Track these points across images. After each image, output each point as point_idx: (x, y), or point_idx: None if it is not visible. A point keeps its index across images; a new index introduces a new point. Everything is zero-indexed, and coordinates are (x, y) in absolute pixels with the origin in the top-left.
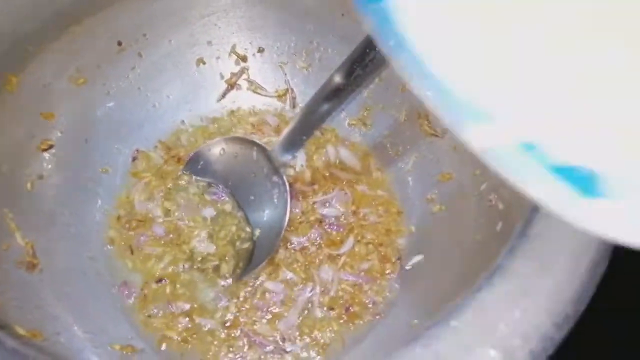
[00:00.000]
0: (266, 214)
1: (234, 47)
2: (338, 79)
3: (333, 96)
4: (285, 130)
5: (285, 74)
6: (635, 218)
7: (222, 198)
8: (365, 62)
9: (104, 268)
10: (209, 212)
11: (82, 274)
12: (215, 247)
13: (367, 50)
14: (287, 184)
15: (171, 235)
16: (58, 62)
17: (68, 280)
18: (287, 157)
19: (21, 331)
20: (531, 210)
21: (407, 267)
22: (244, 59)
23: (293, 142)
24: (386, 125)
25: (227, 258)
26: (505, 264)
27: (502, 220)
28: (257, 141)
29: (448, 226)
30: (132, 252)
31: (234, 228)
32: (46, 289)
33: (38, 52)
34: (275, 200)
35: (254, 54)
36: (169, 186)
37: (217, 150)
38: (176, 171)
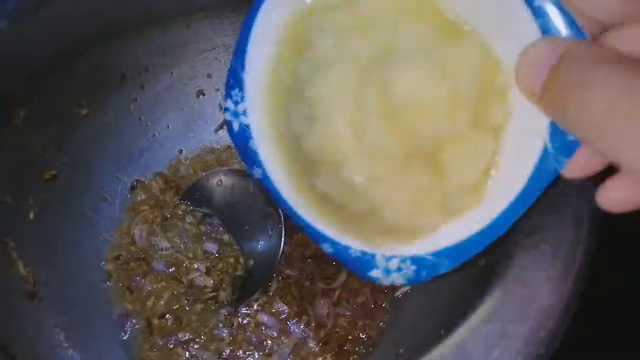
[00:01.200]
0: (260, 245)
1: None
2: None
3: None
4: None
5: None
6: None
7: (216, 229)
8: None
9: (103, 299)
10: (212, 246)
11: (80, 303)
12: (212, 280)
13: None
14: (282, 215)
15: (172, 269)
16: (63, 94)
17: (67, 309)
18: None
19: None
20: (509, 256)
21: (398, 295)
22: None
23: None
24: None
25: (224, 285)
26: (486, 309)
27: (485, 257)
28: None
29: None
30: (131, 292)
31: (232, 260)
32: (46, 318)
33: (45, 85)
34: (270, 232)
35: None
36: (167, 215)
37: (214, 180)
38: (173, 201)
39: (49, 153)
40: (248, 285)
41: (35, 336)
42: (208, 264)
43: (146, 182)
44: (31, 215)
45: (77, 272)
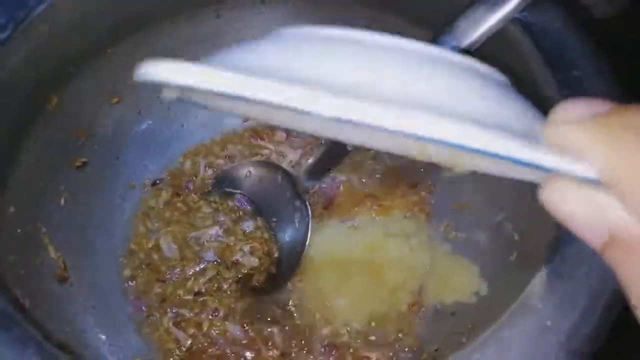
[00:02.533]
0: (287, 237)
1: None
2: None
3: None
4: (313, 157)
5: None
6: None
7: (244, 206)
8: None
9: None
10: (248, 224)
11: (108, 289)
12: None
13: None
14: (309, 208)
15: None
16: (95, 83)
17: (95, 295)
18: (311, 184)
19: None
20: (550, 251)
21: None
22: None
23: (319, 170)
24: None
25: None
26: (527, 302)
27: (517, 251)
28: (284, 166)
29: (463, 254)
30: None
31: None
32: (76, 303)
33: (78, 72)
34: (297, 224)
35: None
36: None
37: (243, 172)
38: (199, 195)
39: (79, 140)
40: (276, 276)
41: (66, 319)
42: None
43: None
44: (62, 201)
45: (105, 258)
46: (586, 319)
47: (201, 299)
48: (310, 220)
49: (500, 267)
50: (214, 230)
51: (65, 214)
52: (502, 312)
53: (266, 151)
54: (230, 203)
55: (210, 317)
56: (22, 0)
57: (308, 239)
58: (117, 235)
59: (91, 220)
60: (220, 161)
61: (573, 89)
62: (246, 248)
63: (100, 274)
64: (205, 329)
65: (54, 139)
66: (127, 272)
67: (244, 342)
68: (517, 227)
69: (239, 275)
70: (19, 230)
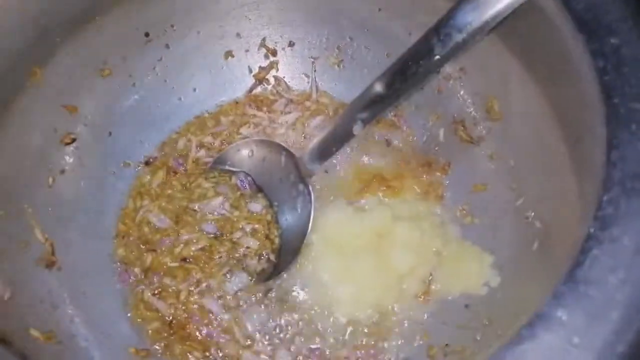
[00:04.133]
0: (289, 222)
1: (263, 40)
2: (378, 88)
3: (370, 106)
4: (317, 139)
5: (315, 71)
6: None
7: (245, 186)
8: (406, 75)
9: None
10: (255, 207)
11: (99, 272)
12: (258, 242)
13: (410, 63)
14: (312, 194)
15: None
16: (84, 53)
17: (85, 279)
18: (315, 167)
19: (36, 334)
20: (581, 251)
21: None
22: (273, 52)
23: (324, 152)
24: (417, 128)
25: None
26: (549, 312)
27: (539, 241)
28: (287, 147)
29: (479, 240)
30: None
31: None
32: (64, 288)
33: (64, 43)
34: (299, 210)
35: (284, 48)
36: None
37: (246, 151)
38: (199, 169)
39: (67, 116)
40: (274, 262)
41: (52, 308)
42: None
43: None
44: (50, 180)
45: (97, 240)
46: (621, 335)
47: (186, 266)
48: (312, 207)
49: (518, 258)
50: (218, 201)
51: (53, 194)
52: (520, 311)
53: (256, 120)
54: (232, 181)
55: (190, 288)
56: None
57: (310, 227)
58: (110, 216)
59: (82, 200)
60: (209, 139)
61: (609, 60)
62: (248, 227)
63: (91, 257)
64: (182, 297)
65: (39, 115)
66: (120, 252)
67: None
68: (539, 214)
69: (236, 254)
70: (1, 212)
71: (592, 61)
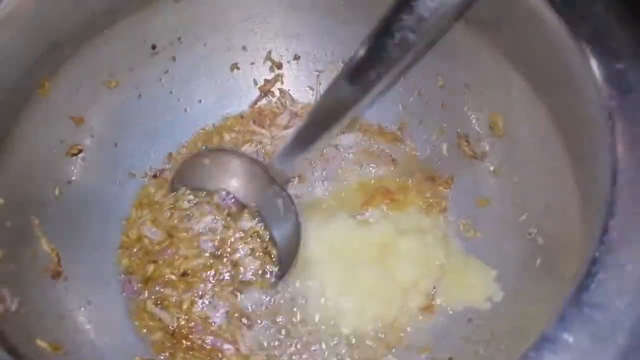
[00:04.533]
0: (280, 229)
1: (269, 53)
2: (362, 52)
3: (356, 78)
4: (294, 129)
5: (320, 84)
6: None
7: (227, 203)
8: (395, 36)
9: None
10: (245, 224)
11: (105, 282)
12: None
13: (398, 17)
14: (289, 195)
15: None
16: (91, 65)
17: (92, 288)
18: (287, 166)
19: (43, 344)
20: (586, 274)
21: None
22: (279, 65)
23: (291, 153)
24: (421, 142)
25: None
26: (555, 335)
27: (542, 257)
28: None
29: (482, 255)
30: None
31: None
32: (70, 298)
33: (72, 55)
34: (282, 213)
35: (289, 61)
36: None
37: (210, 166)
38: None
39: (74, 127)
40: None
41: (59, 318)
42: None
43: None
44: (56, 191)
45: (103, 249)
46: (628, 359)
47: (188, 280)
48: (296, 207)
49: (521, 273)
50: (208, 219)
51: (59, 204)
52: (524, 326)
53: (258, 137)
54: (215, 200)
55: (194, 298)
56: None
57: (301, 229)
58: (114, 226)
59: (88, 210)
60: None
61: (615, 85)
62: (245, 248)
63: (97, 267)
64: (185, 307)
65: (46, 126)
66: (124, 262)
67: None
68: (542, 231)
69: (239, 276)
70: (8, 223)
71: (598, 85)
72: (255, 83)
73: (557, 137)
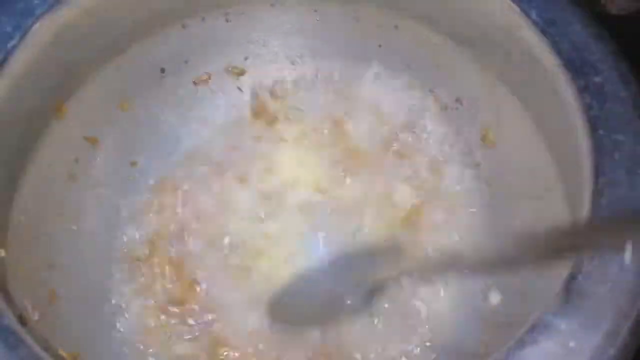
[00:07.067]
0: None
1: (272, 78)
2: None
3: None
4: None
5: None
6: None
7: None
8: None
9: None
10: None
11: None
12: None
13: None
14: None
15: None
16: (104, 89)
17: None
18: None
19: (63, 354)
20: (573, 267)
21: None
22: (282, 89)
23: None
24: None
25: None
26: (548, 320)
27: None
28: None
29: None
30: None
31: None
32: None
33: (87, 79)
34: None
35: (292, 84)
36: None
37: None
38: None
39: (89, 147)
40: None
41: (76, 331)
42: None
43: None
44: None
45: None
46: (611, 339)
47: None
48: None
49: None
50: None
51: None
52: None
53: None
54: None
55: None
56: (29, 8)
57: None
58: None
59: (101, 229)
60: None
61: (594, 96)
62: None
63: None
64: None
65: (62, 147)
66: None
67: None
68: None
69: None
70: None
71: (579, 98)
72: (257, 106)
73: (544, 149)
